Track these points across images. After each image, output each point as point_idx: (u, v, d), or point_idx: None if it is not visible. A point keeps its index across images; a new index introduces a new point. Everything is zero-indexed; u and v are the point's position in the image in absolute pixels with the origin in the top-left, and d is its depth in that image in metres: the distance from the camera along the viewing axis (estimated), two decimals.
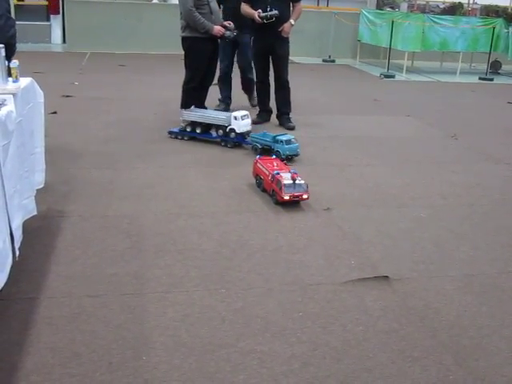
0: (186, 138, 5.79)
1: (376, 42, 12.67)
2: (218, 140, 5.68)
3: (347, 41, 13.56)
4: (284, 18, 6.10)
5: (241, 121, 5.51)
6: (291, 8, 6.27)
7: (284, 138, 5.17)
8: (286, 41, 6.28)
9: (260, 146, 5.32)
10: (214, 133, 5.70)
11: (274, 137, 5.19)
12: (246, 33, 6.61)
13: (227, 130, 5.55)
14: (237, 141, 5.58)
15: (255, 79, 6.72)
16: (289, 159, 5.06)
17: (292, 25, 6.14)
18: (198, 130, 5.75)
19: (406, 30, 11.58)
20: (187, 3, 5.73)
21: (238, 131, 5.51)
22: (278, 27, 6.08)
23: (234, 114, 5.56)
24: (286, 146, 5.10)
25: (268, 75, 6.55)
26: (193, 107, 5.93)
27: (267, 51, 6.34)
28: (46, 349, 2.42)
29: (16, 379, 2.23)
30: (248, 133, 5.58)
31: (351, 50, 13.76)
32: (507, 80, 12.19)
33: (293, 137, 5.27)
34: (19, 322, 2.60)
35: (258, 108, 6.75)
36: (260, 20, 6.00)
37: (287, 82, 6.48)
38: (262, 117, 6.65)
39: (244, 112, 5.63)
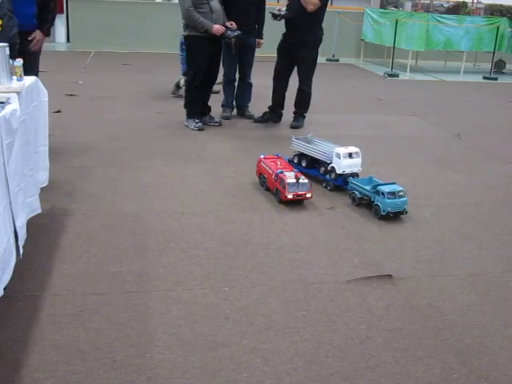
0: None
1: (380, 41, 12.67)
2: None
3: (351, 40, 13.56)
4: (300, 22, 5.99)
5: (344, 159, 4.40)
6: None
7: (387, 188, 3.98)
8: (305, 45, 6.12)
9: (359, 195, 4.18)
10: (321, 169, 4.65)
11: (376, 186, 4.08)
12: (252, 36, 6.55)
13: (328, 167, 4.54)
14: (337, 184, 4.48)
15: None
16: (390, 217, 3.97)
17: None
18: (303, 164, 4.81)
19: (409, 29, 11.57)
20: (185, 3, 5.71)
21: (337, 171, 4.43)
22: (296, 31, 6.05)
23: (338, 149, 4.46)
24: (388, 201, 3.93)
25: (284, 75, 6.43)
26: (310, 135, 4.99)
27: (288, 51, 6.27)
28: (50, 346, 2.43)
29: (20, 376, 2.24)
30: (354, 175, 4.47)
31: (355, 49, 13.76)
32: (511, 79, 12.16)
33: (400, 188, 4.04)
34: (23, 319, 2.61)
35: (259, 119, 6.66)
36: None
37: (305, 86, 6.37)
38: (265, 116, 6.61)
39: (353, 149, 4.49)
